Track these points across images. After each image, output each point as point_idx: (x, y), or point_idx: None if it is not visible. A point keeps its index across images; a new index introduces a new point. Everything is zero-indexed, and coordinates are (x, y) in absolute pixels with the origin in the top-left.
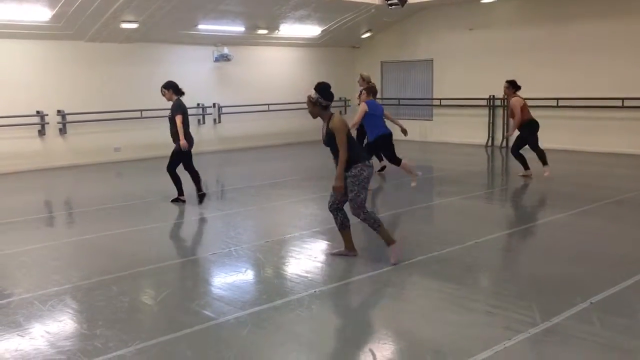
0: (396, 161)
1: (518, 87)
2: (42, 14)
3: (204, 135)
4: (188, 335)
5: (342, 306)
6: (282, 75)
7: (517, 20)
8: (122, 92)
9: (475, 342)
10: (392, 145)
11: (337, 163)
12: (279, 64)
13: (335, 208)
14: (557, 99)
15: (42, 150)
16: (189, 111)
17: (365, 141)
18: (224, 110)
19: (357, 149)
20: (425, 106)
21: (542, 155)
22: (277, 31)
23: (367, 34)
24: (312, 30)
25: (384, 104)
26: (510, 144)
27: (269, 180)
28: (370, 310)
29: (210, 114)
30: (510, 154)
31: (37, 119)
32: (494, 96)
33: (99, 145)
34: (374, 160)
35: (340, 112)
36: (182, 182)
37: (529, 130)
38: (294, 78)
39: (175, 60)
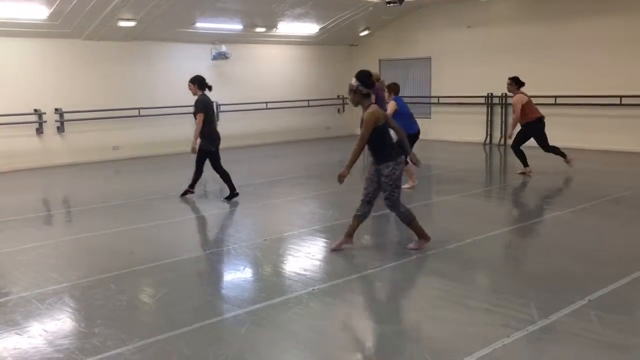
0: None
1: (522, 84)
2: (40, 12)
3: None
4: (186, 333)
5: (340, 304)
6: (281, 73)
7: (515, 17)
8: (120, 91)
9: (474, 340)
10: (412, 145)
11: (373, 155)
12: (277, 62)
13: (367, 201)
14: (556, 96)
15: (40, 149)
16: (190, 109)
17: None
18: (222, 108)
19: (388, 146)
20: (423, 104)
21: (557, 151)
22: (275, 29)
23: (365, 32)
24: (310, 28)
25: None
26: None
27: (267, 179)
28: (369, 308)
29: None
30: (508, 152)
31: (34, 118)
32: (492, 94)
33: (97, 143)
34: None
35: (339, 111)
36: (203, 176)
37: (535, 131)
38: (292, 76)
39: (173, 58)
